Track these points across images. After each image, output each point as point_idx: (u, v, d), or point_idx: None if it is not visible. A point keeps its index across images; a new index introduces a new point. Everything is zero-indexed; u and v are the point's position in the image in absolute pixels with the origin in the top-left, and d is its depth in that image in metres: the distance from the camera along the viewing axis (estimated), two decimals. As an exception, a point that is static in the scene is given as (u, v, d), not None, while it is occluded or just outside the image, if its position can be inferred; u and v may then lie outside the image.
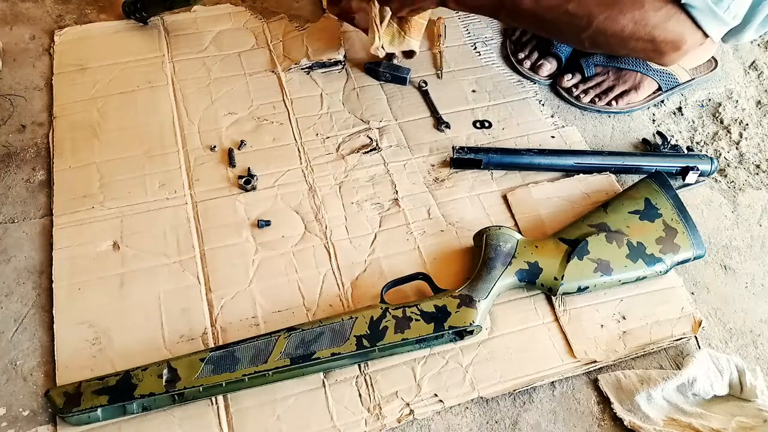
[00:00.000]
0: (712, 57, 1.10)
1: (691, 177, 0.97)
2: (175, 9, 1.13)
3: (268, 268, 0.87)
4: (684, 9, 0.83)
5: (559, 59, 1.12)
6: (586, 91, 1.08)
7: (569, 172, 0.99)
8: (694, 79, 1.09)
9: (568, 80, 1.09)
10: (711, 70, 1.11)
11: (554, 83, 1.11)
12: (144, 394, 0.71)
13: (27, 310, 0.83)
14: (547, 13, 0.87)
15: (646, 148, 1.04)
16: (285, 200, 0.94)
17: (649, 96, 1.09)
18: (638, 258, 0.84)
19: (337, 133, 1.03)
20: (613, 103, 1.07)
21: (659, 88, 1.08)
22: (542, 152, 0.98)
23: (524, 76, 1.13)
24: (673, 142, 1.04)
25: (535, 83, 1.12)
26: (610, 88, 1.07)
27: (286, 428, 0.74)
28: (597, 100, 1.07)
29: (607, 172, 0.99)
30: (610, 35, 0.86)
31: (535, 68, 1.12)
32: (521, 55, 1.14)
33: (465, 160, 0.97)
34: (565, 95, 1.09)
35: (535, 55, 1.13)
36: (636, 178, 0.97)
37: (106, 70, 1.08)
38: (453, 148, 0.97)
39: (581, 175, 0.99)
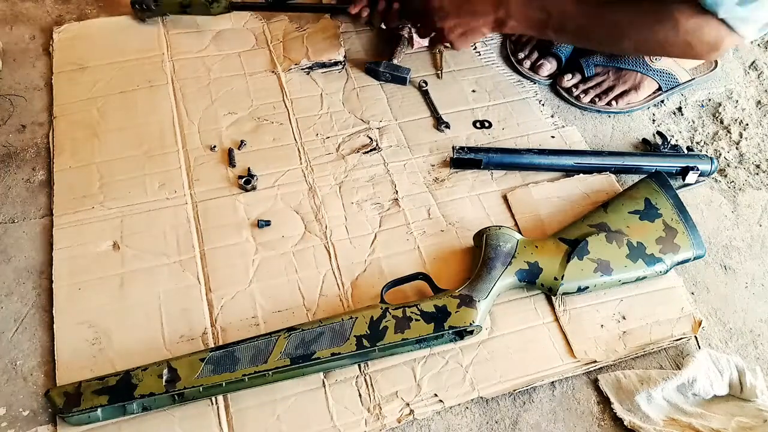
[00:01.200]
0: None
1: (691, 177, 0.97)
2: (192, 14, 1.12)
3: (268, 268, 0.87)
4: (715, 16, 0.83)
5: (559, 59, 1.12)
6: (586, 91, 1.08)
7: (569, 172, 0.99)
8: (694, 79, 1.09)
9: (568, 80, 1.09)
10: (711, 70, 1.11)
11: (554, 83, 1.11)
12: (144, 394, 0.71)
13: (27, 310, 0.83)
14: (589, 27, 0.88)
15: (646, 148, 1.04)
16: (285, 200, 0.94)
17: (649, 96, 1.09)
18: (638, 258, 0.84)
19: (337, 133, 1.03)
20: (613, 103, 1.07)
21: (659, 88, 1.08)
22: (542, 152, 0.98)
23: (524, 76, 1.13)
24: (673, 142, 1.04)
25: (535, 83, 1.12)
26: (610, 88, 1.07)
27: (286, 428, 0.74)
28: (597, 100, 1.07)
29: (607, 172, 0.99)
30: (651, 44, 0.88)
31: (535, 68, 1.12)
32: (521, 55, 1.14)
33: (465, 160, 0.97)
34: (565, 95, 1.09)
35: (535, 55, 1.13)
36: (636, 178, 0.97)
37: (105, 69, 1.08)
38: (453, 148, 0.97)
39: (581, 175, 0.99)
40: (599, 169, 0.99)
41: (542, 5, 0.89)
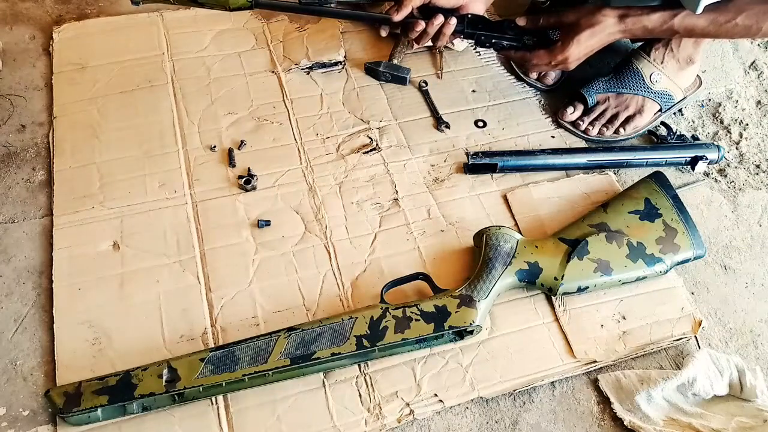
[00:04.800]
0: (698, 76, 1.09)
1: (701, 167, 0.98)
2: (204, 5, 0.95)
3: (268, 268, 0.87)
4: None
5: None
6: (592, 123, 1.04)
7: (584, 170, 0.99)
8: (685, 98, 1.08)
9: (571, 113, 1.05)
10: (697, 88, 1.09)
11: (558, 116, 1.07)
12: (144, 394, 0.71)
13: (27, 310, 0.83)
14: (720, 29, 0.90)
15: (653, 140, 1.05)
16: (285, 200, 0.94)
17: (652, 118, 1.06)
18: (638, 258, 0.84)
19: (337, 133, 1.03)
20: (621, 130, 1.04)
21: (660, 109, 1.06)
22: (555, 152, 0.99)
23: (529, 84, 1.11)
24: (677, 132, 1.03)
25: (538, 92, 1.11)
26: (615, 116, 1.04)
27: (286, 428, 0.74)
28: (605, 129, 1.04)
29: (608, 172, 0.99)
30: None
31: (540, 77, 1.11)
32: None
33: (480, 165, 0.97)
34: (572, 128, 1.05)
35: None
36: (643, 172, 0.96)
37: (105, 69, 1.08)
38: (467, 154, 0.97)
39: (581, 174, 0.99)
40: (613, 166, 0.99)
41: (668, 27, 0.91)
